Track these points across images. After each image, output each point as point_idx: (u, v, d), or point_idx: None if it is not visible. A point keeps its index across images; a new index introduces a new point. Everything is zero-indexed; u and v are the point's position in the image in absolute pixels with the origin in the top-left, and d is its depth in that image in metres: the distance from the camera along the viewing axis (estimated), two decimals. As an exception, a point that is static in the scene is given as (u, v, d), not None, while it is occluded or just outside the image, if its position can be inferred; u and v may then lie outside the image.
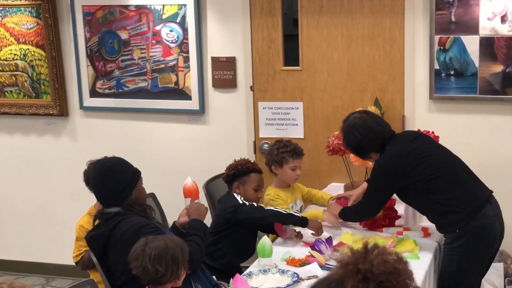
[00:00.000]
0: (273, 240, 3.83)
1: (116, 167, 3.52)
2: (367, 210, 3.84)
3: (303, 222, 3.82)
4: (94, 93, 5.44)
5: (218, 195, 4.37)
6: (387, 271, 1.30)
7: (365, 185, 4.11)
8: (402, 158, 3.61)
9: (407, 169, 3.57)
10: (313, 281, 2.92)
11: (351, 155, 4.20)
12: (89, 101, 5.47)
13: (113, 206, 3.44)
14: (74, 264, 4.14)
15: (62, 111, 5.52)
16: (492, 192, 3.67)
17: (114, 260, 3.40)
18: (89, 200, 5.60)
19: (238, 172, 4.04)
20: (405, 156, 3.61)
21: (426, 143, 3.72)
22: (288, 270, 3.38)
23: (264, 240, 3.46)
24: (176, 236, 3.18)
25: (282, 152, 4.26)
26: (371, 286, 1.28)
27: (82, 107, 5.50)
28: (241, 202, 3.92)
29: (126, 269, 3.34)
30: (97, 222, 3.50)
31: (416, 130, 4.31)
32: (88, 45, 5.37)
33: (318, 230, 3.83)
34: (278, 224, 3.88)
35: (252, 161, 4.18)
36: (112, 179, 3.48)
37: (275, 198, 4.22)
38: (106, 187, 3.48)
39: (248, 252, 4.07)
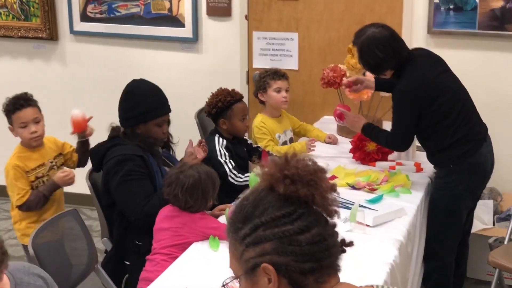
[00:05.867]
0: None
1: (133, 95, 3.46)
2: (396, 139, 3.64)
3: None
4: (85, 18, 5.31)
5: (209, 124, 4.32)
6: (311, 171, 1.48)
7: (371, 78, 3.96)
8: (426, 86, 3.47)
9: (428, 98, 3.46)
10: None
11: (347, 90, 4.10)
12: (80, 26, 5.34)
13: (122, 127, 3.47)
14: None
15: (52, 35, 5.40)
16: (487, 128, 3.66)
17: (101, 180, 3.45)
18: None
19: (220, 109, 3.92)
20: (429, 84, 3.47)
21: (445, 71, 3.59)
22: None
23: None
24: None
25: (264, 77, 4.27)
26: (299, 186, 1.45)
27: (72, 31, 5.38)
28: (222, 160, 3.84)
29: (106, 192, 3.36)
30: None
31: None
32: (79, -33, 5.23)
33: None
34: (264, 153, 3.89)
35: (230, 89, 4.03)
36: (123, 103, 3.48)
37: (260, 127, 4.21)
38: (119, 107, 3.49)
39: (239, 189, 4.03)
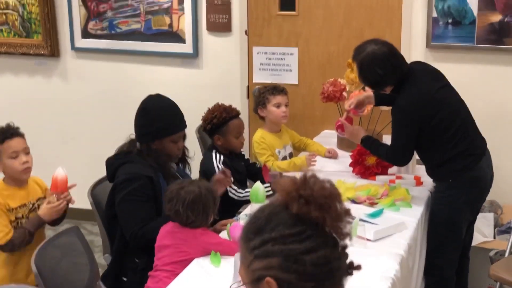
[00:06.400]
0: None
1: (149, 111, 3.43)
2: (396, 154, 3.65)
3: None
4: (86, 34, 5.35)
5: (210, 139, 4.33)
6: (326, 194, 1.50)
7: (370, 93, 3.99)
8: (425, 101, 3.48)
9: (428, 113, 3.48)
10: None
11: (346, 103, 4.13)
12: (81, 42, 5.38)
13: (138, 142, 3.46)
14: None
15: (53, 52, 5.44)
16: (486, 142, 3.67)
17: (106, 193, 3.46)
18: (80, 142, 5.58)
19: (215, 125, 3.94)
20: (429, 99, 3.49)
21: (445, 86, 3.60)
22: None
23: (258, 186, 3.44)
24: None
25: (263, 93, 4.27)
26: (312, 208, 1.48)
27: (73, 48, 5.42)
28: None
29: (112, 205, 3.38)
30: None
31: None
32: (80, -16, 5.27)
33: None
34: (265, 168, 3.89)
35: (226, 105, 4.04)
36: (139, 119, 3.46)
37: (260, 142, 4.21)
38: (135, 123, 3.48)
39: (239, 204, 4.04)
